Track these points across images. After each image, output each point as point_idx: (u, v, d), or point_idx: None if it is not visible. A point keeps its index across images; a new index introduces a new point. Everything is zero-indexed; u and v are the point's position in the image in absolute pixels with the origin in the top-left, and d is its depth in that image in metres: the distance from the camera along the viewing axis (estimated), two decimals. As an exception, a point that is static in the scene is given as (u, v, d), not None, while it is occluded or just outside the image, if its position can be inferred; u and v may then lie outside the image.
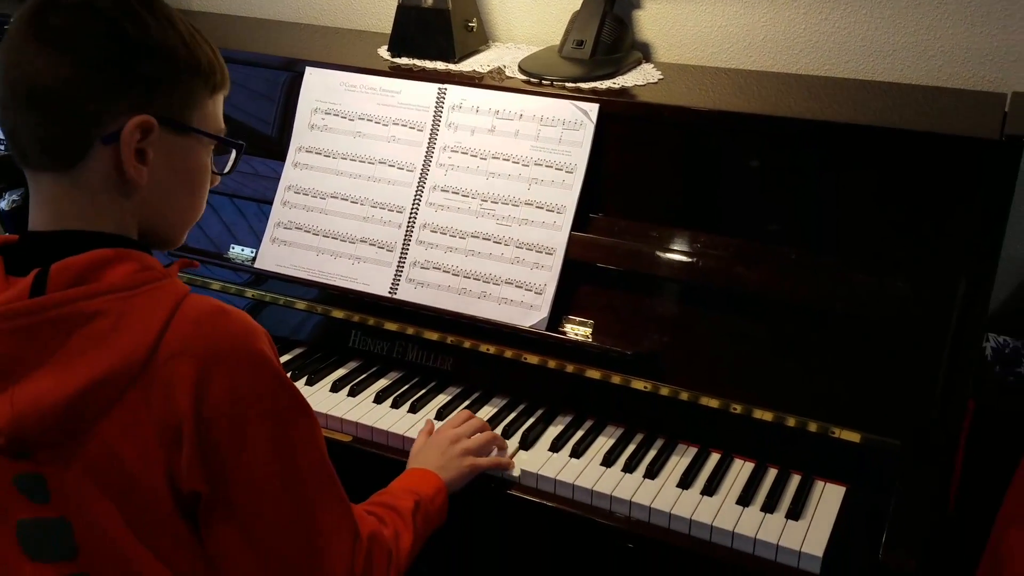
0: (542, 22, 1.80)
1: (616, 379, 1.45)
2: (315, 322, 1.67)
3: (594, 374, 1.45)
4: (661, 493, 1.32)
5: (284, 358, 1.64)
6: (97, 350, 0.94)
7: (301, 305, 1.66)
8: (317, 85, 1.68)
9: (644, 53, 1.74)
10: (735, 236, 1.43)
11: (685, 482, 1.34)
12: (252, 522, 1.00)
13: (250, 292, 1.71)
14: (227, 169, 1.13)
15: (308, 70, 1.69)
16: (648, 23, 1.73)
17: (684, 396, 1.41)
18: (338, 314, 1.63)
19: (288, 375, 1.54)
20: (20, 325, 0.93)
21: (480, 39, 1.76)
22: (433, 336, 1.56)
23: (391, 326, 1.58)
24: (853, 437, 1.33)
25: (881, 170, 1.37)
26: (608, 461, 1.38)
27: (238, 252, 1.73)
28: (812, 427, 1.35)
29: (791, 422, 1.36)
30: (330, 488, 1.06)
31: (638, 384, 1.43)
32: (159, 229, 1.07)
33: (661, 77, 1.61)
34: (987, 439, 1.55)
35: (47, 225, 1.00)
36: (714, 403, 1.39)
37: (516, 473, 1.37)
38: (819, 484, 1.35)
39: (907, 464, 1.27)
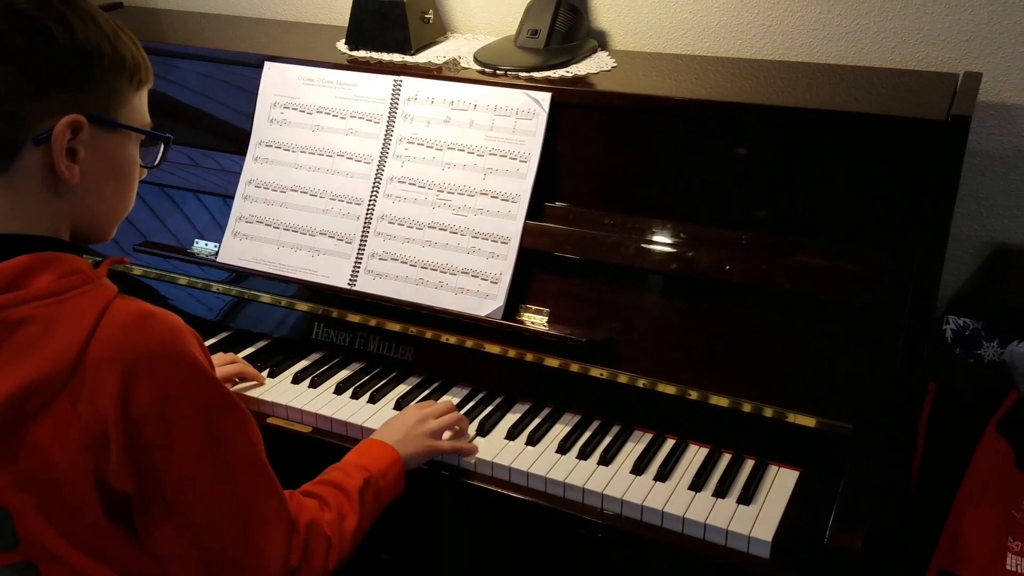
0: (500, 12, 1.80)
1: (574, 367, 1.45)
2: (279, 315, 1.67)
3: (552, 362, 1.46)
4: (614, 480, 1.33)
5: (248, 351, 1.65)
6: (26, 357, 0.95)
7: (266, 299, 1.67)
8: (276, 79, 1.69)
9: (600, 41, 1.74)
10: (688, 221, 1.43)
11: (639, 468, 1.34)
12: (187, 519, 1.01)
13: (216, 287, 1.71)
14: (156, 162, 1.14)
15: (267, 64, 1.69)
16: (603, 11, 1.73)
17: (642, 383, 1.41)
18: (302, 307, 1.63)
19: (252, 367, 1.56)
20: None
21: (438, 30, 1.76)
22: (395, 327, 1.56)
23: (353, 317, 1.59)
24: (808, 422, 1.33)
25: (832, 153, 1.37)
26: (563, 448, 1.39)
27: (202, 247, 1.73)
28: (767, 412, 1.36)
29: (747, 407, 1.37)
30: (264, 482, 1.07)
31: (595, 372, 1.43)
32: (90, 226, 1.08)
33: (615, 65, 1.61)
34: (947, 421, 1.56)
35: None
36: (671, 389, 1.40)
37: (472, 461, 1.37)
38: (773, 469, 1.36)
39: (858, 447, 1.27)
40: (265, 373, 1.58)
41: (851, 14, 1.56)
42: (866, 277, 1.31)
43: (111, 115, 1.04)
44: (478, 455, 1.37)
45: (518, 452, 1.38)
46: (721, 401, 1.38)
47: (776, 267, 1.37)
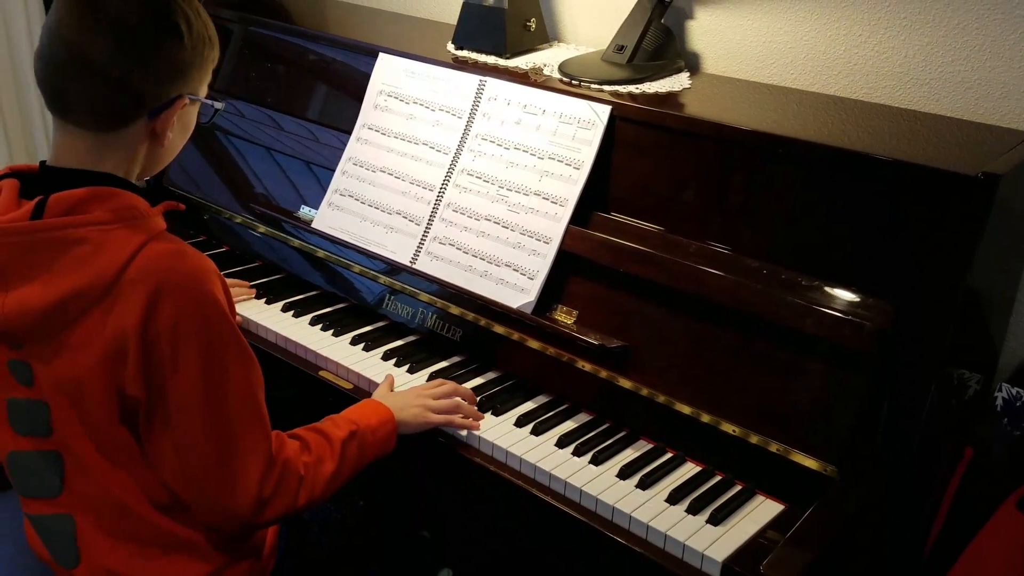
0: (604, 26, 1.87)
1: (589, 368, 1.52)
2: (359, 283, 1.83)
3: (573, 361, 1.53)
4: (597, 480, 1.39)
5: (324, 311, 1.82)
6: (75, 270, 1.13)
7: (356, 269, 1.83)
8: (386, 69, 1.85)
9: (693, 63, 1.78)
10: (724, 247, 1.46)
11: (625, 473, 1.40)
12: (180, 434, 1.17)
13: (319, 252, 1.89)
14: (208, 120, 1.34)
15: (381, 55, 1.86)
16: (698, 34, 1.77)
17: (661, 399, 1.45)
18: (377, 278, 1.79)
19: (316, 327, 1.73)
20: (16, 241, 1.13)
21: (540, 39, 1.86)
22: (451, 309, 1.68)
23: (420, 296, 1.72)
24: (812, 464, 1.34)
25: (862, 196, 1.36)
26: (562, 443, 1.46)
27: (306, 212, 1.93)
28: (773, 448, 1.37)
29: (754, 439, 1.38)
30: (252, 417, 1.21)
31: (604, 374, 1.50)
32: (153, 169, 1.28)
33: (687, 87, 1.66)
34: (977, 490, 1.50)
35: (65, 163, 1.20)
36: (686, 410, 1.43)
37: (477, 437, 1.47)
38: (759, 499, 1.37)
39: (829, 495, 1.27)
40: (330, 333, 1.74)
41: (936, 61, 1.53)
42: (868, 326, 1.29)
43: (198, 92, 1.25)
44: (481, 434, 1.47)
45: (519, 439, 1.47)
46: (730, 428, 1.40)
47: (799, 306, 1.36)
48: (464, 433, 1.48)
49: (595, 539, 1.34)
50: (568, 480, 1.38)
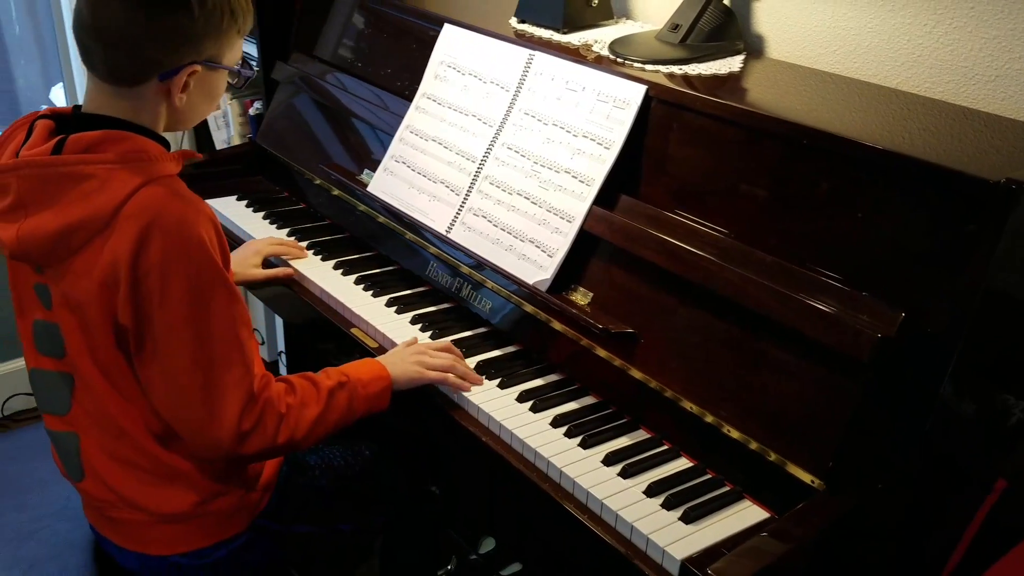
0: (675, 3, 1.81)
1: (602, 353, 1.50)
2: (408, 249, 1.87)
3: (583, 343, 1.51)
4: (581, 462, 1.37)
5: (371, 271, 1.87)
6: (82, 201, 1.22)
7: (408, 236, 1.87)
8: (448, 40, 1.86)
9: (756, 47, 1.70)
10: (746, 242, 1.39)
11: (611, 460, 1.37)
12: (167, 363, 1.25)
13: (381, 219, 1.94)
14: (241, 86, 1.40)
15: (445, 26, 1.88)
16: (763, 17, 1.69)
17: (668, 394, 1.41)
18: (422, 245, 1.82)
19: (359, 286, 1.79)
20: (35, 173, 1.23)
21: (603, 15, 1.83)
22: (486, 282, 1.69)
23: (457, 265, 1.74)
24: (804, 476, 1.28)
25: (885, 197, 1.26)
26: (557, 423, 1.45)
27: (366, 175, 1.98)
28: (772, 457, 1.31)
29: (753, 446, 1.33)
30: (233, 353, 1.27)
31: (604, 356, 1.48)
32: (179, 125, 1.36)
33: (735, 70, 1.58)
34: (1004, 524, 1.38)
35: (91, 109, 1.31)
36: (692, 408, 1.39)
37: (475, 406, 1.48)
38: (745, 503, 1.32)
39: (802, 507, 1.21)
40: (369, 293, 1.79)
41: (1003, 56, 1.40)
42: (867, 334, 1.21)
43: (219, 60, 1.32)
44: (480, 404, 1.48)
45: (515, 413, 1.47)
46: (732, 433, 1.35)
47: (810, 311, 1.29)
48: (459, 396, 1.50)
49: (568, 520, 1.33)
50: (551, 459, 1.37)
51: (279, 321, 3.03)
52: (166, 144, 1.33)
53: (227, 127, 2.64)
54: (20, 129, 1.31)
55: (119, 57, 1.24)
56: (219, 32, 1.29)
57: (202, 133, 2.84)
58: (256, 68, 2.43)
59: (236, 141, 2.62)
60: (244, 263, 1.86)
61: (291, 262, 1.89)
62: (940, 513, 1.37)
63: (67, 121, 1.32)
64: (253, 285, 1.92)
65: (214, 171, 2.29)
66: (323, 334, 1.77)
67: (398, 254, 1.90)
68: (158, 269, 1.21)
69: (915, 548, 1.37)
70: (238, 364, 1.27)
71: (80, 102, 1.34)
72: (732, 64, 1.62)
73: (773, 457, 1.30)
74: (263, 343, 3.12)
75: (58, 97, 3.04)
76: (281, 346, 3.02)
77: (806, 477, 1.26)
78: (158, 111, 1.31)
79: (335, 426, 1.39)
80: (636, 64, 1.60)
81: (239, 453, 1.30)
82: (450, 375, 1.50)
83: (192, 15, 1.24)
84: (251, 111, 2.56)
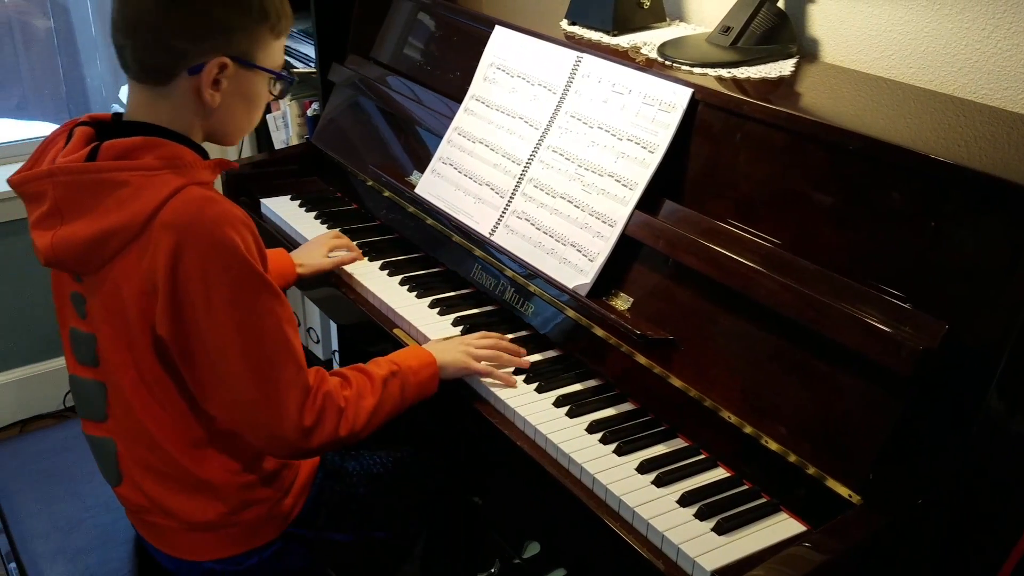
0: (729, 6, 1.78)
1: (642, 360, 1.47)
2: (454, 251, 1.87)
3: (632, 354, 1.49)
4: (614, 469, 1.35)
5: (417, 272, 1.87)
6: (117, 209, 1.23)
7: (455, 239, 1.87)
8: (499, 43, 1.86)
9: (811, 51, 1.66)
10: (789, 250, 1.36)
11: (645, 468, 1.35)
12: (220, 369, 1.25)
13: (429, 221, 1.95)
14: (279, 95, 1.39)
15: (496, 28, 1.88)
16: (818, 21, 1.65)
17: (708, 404, 1.39)
18: (468, 247, 1.82)
19: (404, 287, 1.79)
20: (70, 180, 1.24)
21: (654, 16, 1.81)
22: (529, 285, 1.68)
23: (502, 268, 1.74)
24: (843, 492, 1.24)
25: (932, 205, 1.22)
26: (593, 429, 1.43)
27: (415, 177, 1.99)
28: (810, 470, 1.28)
29: (792, 458, 1.30)
30: (284, 351, 1.28)
31: (643, 363, 1.46)
32: (219, 132, 1.37)
33: (786, 74, 1.55)
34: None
35: (130, 115, 1.32)
36: (731, 419, 1.36)
37: (511, 408, 1.47)
38: (781, 515, 1.29)
39: (838, 521, 1.18)
40: (413, 295, 1.80)
41: (1066, 61, 1.35)
42: (908, 346, 1.17)
43: (251, 58, 1.32)
44: (516, 408, 1.47)
45: (552, 417, 1.46)
46: (771, 444, 1.32)
47: (851, 319, 1.25)
48: (495, 399, 1.49)
49: (599, 527, 1.31)
50: (584, 465, 1.36)
51: (332, 326, 3.07)
52: (203, 152, 1.33)
53: (286, 128, 2.68)
54: (60, 136, 1.32)
55: (146, 50, 1.25)
56: (248, 26, 1.29)
57: (262, 134, 2.89)
58: (314, 70, 2.47)
59: (295, 141, 2.66)
60: (312, 255, 1.87)
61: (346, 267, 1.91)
62: (985, 529, 1.32)
63: (106, 128, 1.33)
64: (308, 285, 1.93)
65: (271, 171, 2.32)
66: (369, 335, 1.78)
67: (444, 256, 1.91)
68: (199, 277, 1.21)
69: (960, 565, 1.32)
70: (290, 362, 1.28)
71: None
72: (784, 68, 1.58)
73: (812, 470, 1.27)
74: (318, 342, 3.16)
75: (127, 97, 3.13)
76: (335, 345, 3.05)
77: (844, 491, 1.23)
78: (192, 113, 1.31)
79: (389, 414, 1.41)
80: (685, 67, 1.58)
81: (306, 447, 1.32)
82: (495, 369, 1.50)
83: (217, 2, 1.24)
84: (309, 112, 2.59)
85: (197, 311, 1.22)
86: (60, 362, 2.98)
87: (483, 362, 1.52)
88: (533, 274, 1.64)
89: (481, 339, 1.56)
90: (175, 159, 1.26)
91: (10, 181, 1.31)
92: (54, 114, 3.13)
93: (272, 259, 1.71)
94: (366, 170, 2.12)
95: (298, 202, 2.21)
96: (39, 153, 1.33)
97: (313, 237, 1.98)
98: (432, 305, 1.76)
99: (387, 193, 2.07)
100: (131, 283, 1.24)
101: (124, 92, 3.20)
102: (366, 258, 1.95)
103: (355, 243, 1.98)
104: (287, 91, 1.40)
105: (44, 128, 3.04)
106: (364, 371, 1.41)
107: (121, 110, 1.37)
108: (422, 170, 1.96)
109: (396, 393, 1.41)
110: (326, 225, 2.09)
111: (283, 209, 2.17)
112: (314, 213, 2.15)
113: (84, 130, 1.30)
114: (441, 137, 1.94)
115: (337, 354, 3.01)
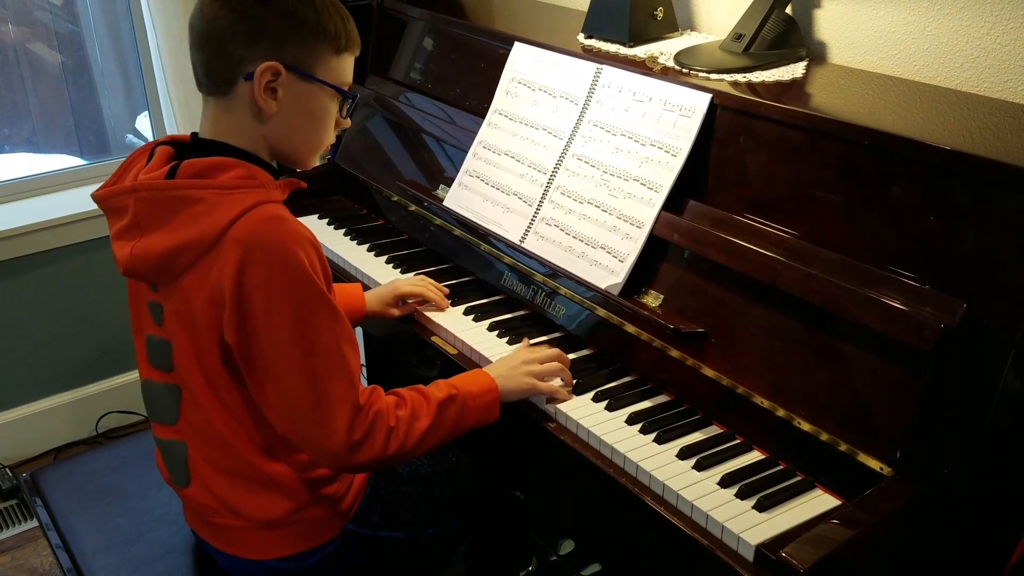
0: (738, 14, 1.86)
1: (675, 353, 1.55)
2: (483, 260, 1.94)
3: (666, 349, 1.56)
4: (656, 457, 1.42)
5: (451, 282, 1.95)
6: (192, 224, 1.30)
7: (484, 248, 1.95)
8: (519, 58, 1.95)
9: (819, 54, 1.75)
10: (811, 241, 1.44)
11: (684, 454, 1.43)
12: (278, 380, 1.32)
13: (457, 231, 2.03)
14: (345, 115, 1.46)
15: (516, 45, 1.96)
16: (825, 24, 1.73)
17: (740, 390, 1.46)
18: (497, 256, 1.89)
19: (436, 293, 1.85)
20: (150, 196, 1.32)
21: (667, 27, 1.89)
22: (559, 289, 1.76)
23: (531, 273, 1.81)
24: (874, 465, 1.31)
25: (947, 192, 1.30)
26: (632, 420, 1.51)
27: (441, 191, 2.07)
28: (842, 447, 1.35)
29: (824, 437, 1.37)
30: (338, 367, 1.33)
31: (676, 356, 1.53)
32: (285, 151, 1.43)
33: (798, 76, 1.63)
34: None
35: (206, 134, 1.40)
36: (764, 403, 1.43)
37: (552, 409, 1.55)
38: (816, 491, 1.36)
39: (871, 492, 1.25)
40: (448, 303, 1.87)
41: (1063, 52, 1.43)
42: (930, 323, 1.25)
43: (308, 69, 1.37)
44: (557, 404, 1.54)
45: (592, 412, 1.53)
46: (804, 425, 1.39)
47: (872, 302, 1.32)
48: (537, 398, 1.56)
49: (645, 512, 1.38)
50: (627, 454, 1.43)
51: (360, 333, 3.14)
52: (273, 172, 1.40)
53: (307, 150, 2.76)
54: (142, 155, 1.40)
55: (211, 60, 1.33)
56: (303, 36, 1.34)
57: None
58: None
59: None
60: (381, 302, 1.86)
61: (376, 278, 1.97)
62: (1007, 498, 1.39)
63: (185, 147, 1.41)
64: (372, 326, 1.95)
65: (297, 191, 2.39)
66: (405, 346, 1.86)
67: (473, 265, 1.98)
68: (262, 291, 1.27)
69: (984, 533, 1.39)
70: (343, 379, 1.33)
71: (167, 131, 1.43)
72: (795, 71, 1.67)
73: (844, 447, 1.34)
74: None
75: (144, 126, 3.19)
76: (362, 359, 3.12)
77: (875, 464, 1.30)
78: (251, 123, 1.37)
79: (444, 438, 1.44)
80: (701, 74, 1.67)
81: (352, 463, 1.36)
82: (560, 390, 1.55)
83: (267, 7, 1.31)
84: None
85: (259, 322, 1.29)
86: (91, 389, 3.06)
87: (546, 379, 1.56)
88: (566, 277, 1.71)
89: (545, 355, 1.58)
90: (249, 178, 1.33)
91: (94, 196, 1.39)
92: (64, 147, 3.18)
93: (343, 293, 1.78)
94: (392, 186, 2.20)
95: (326, 220, 2.29)
96: (123, 170, 1.42)
97: (393, 280, 1.95)
98: (467, 312, 1.84)
99: (413, 207, 2.15)
100: (201, 294, 1.31)
101: (141, 122, 3.29)
102: (397, 270, 2.03)
103: (384, 257, 2.05)
104: (352, 109, 1.46)
105: (60, 160, 3.09)
106: (422, 392, 1.45)
107: (139, 141, 1.44)
108: (448, 184, 2.04)
109: (452, 417, 1.44)
110: (355, 241, 2.16)
111: (313, 228, 2.23)
112: (343, 230, 2.23)
113: (165, 149, 1.38)
114: (465, 151, 2.02)
115: (365, 368, 3.08)
